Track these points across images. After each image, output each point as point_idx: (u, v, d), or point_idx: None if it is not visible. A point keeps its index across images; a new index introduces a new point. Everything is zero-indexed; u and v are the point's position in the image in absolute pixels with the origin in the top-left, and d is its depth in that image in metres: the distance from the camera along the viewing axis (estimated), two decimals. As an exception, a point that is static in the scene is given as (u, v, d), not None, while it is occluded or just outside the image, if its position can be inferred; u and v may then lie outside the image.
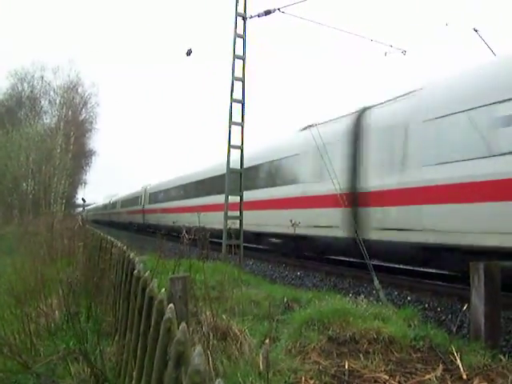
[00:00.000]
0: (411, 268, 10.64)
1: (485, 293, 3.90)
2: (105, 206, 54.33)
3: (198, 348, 1.54)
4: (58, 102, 38.38)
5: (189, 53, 11.88)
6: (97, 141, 49.18)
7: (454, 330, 4.52)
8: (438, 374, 3.19)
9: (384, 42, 12.63)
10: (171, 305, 2.05)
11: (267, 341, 2.76)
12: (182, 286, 2.48)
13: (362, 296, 5.17)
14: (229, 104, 10.83)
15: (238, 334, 3.50)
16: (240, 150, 11.12)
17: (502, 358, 3.55)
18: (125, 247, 4.84)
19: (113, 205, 47.35)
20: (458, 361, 3.34)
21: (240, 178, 11.17)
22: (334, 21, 45.30)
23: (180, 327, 1.79)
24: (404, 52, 12.76)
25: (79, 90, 39.30)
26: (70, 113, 38.70)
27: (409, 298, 7.76)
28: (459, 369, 3.25)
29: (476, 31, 10.24)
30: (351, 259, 11.50)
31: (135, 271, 3.03)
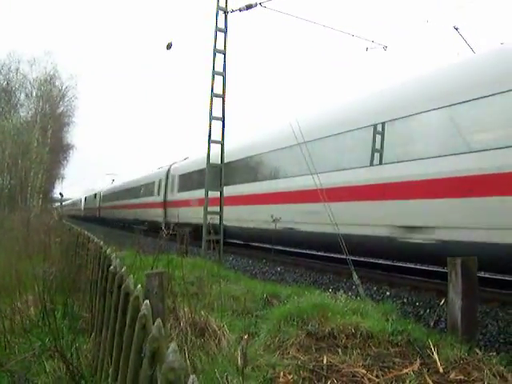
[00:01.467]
0: (391, 263, 10.80)
1: (462, 288, 3.95)
2: (74, 203, 68.09)
3: (173, 345, 1.51)
4: (34, 94, 37.36)
5: (169, 46, 11.75)
6: (75, 135, 48.32)
7: (432, 324, 4.57)
8: (416, 368, 3.21)
9: (366, 38, 12.73)
10: (147, 301, 2.02)
11: (245, 336, 2.74)
12: (158, 281, 2.43)
13: (341, 291, 5.19)
14: (209, 98, 10.76)
15: (217, 329, 3.47)
16: (220, 145, 11.07)
17: (478, 351, 3.60)
18: (101, 242, 4.75)
19: (78, 203, 62.22)
20: (435, 355, 3.38)
21: (220, 173, 11.14)
22: (316, 16, 45.35)
23: (155, 324, 1.76)
24: (385, 47, 12.88)
25: (56, 83, 38.17)
26: (47, 106, 37.66)
27: (388, 293, 7.83)
28: (436, 363, 3.28)
29: (456, 29, 10.36)
30: (332, 255, 11.68)
31: (111, 267, 2.97)
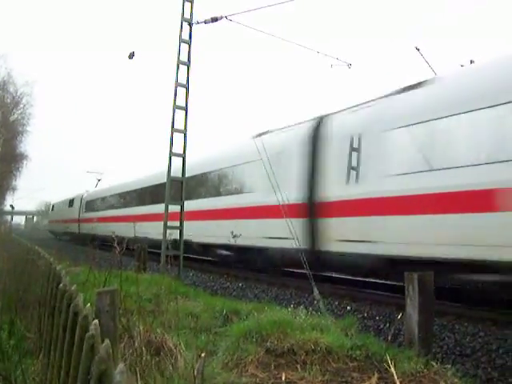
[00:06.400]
0: (352, 278, 10.89)
1: (418, 302, 4.00)
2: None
3: (121, 365, 1.44)
4: (-15, 101, 35.93)
5: (131, 56, 11.61)
6: (29, 144, 45.93)
7: (390, 338, 4.59)
8: (373, 383, 3.21)
9: (330, 55, 12.96)
10: (95, 321, 1.92)
11: (203, 354, 2.66)
12: (110, 300, 2.32)
13: (302, 306, 5.16)
14: (172, 110, 10.66)
15: (173, 348, 3.36)
16: (182, 158, 10.94)
17: (434, 364, 3.64)
18: (52, 259, 4.54)
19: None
20: (392, 368, 3.39)
21: (181, 187, 11.01)
22: (282, 32, 46.37)
23: (103, 344, 1.67)
24: (349, 65, 13.16)
25: (10, 89, 36.83)
26: (-1, 113, 36.33)
27: (349, 308, 7.86)
28: (393, 376, 3.29)
29: (418, 50, 10.70)
30: (295, 270, 11.70)
31: (61, 285, 2.83)
